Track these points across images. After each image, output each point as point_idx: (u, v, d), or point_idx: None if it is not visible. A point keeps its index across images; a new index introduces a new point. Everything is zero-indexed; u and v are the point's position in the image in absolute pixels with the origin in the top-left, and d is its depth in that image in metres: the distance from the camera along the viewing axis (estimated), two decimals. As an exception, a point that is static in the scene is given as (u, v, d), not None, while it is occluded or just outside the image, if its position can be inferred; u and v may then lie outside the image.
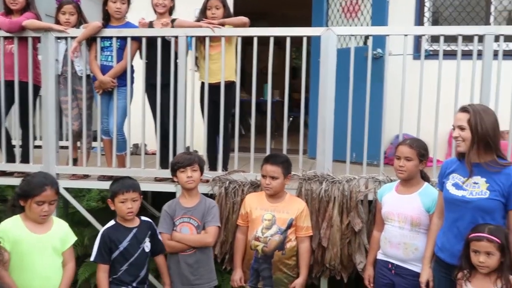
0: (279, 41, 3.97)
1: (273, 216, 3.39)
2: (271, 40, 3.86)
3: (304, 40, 3.84)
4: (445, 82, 3.66)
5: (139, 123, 4.09)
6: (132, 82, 4.15)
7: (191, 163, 3.29)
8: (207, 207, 3.32)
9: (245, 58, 4.21)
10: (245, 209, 3.50)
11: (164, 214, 3.25)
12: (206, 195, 3.58)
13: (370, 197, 3.70)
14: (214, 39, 4.03)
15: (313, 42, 4.20)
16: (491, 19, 5.46)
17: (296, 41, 3.92)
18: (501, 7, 5.47)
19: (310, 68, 4.93)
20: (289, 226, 3.37)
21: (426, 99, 3.74)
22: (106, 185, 4.26)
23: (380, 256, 3.29)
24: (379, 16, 5.00)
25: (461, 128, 2.72)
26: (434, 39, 4.96)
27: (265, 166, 3.42)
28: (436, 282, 2.95)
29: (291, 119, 8.75)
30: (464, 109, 2.76)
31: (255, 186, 3.80)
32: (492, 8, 5.45)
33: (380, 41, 4.57)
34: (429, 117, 3.78)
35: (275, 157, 3.49)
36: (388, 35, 3.74)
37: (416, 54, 5.18)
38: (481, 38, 3.61)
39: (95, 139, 4.58)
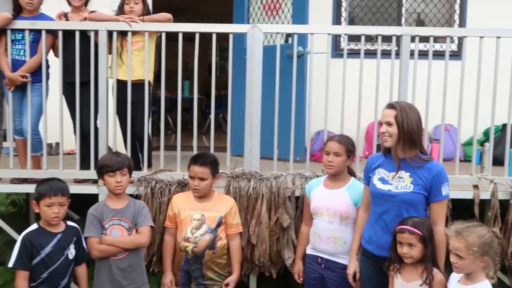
0: (192, 38, 3.92)
1: (202, 215, 3.34)
2: (197, 36, 3.79)
3: (230, 37, 3.82)
4: (359, 80, 3.80)
5: (56, 122, 3.85)
6: (47, 78, 3.89)
7: (121, 167, 3.13)
8: (137, 208, 3.20)
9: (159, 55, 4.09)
10: (172, 210, 3.42)
11: (91, 218, 3.08)
12: (131, 196, 3.45)
13: (297, 193, 3.75)
14: (135, 34, 3.89)
15: (235, 39, 4.17)
16: (403, 20, 5.77)
17: (218, 38, 3.89)
18: (411, 9, 5.79)
19: (225, 65, 4.92)
20: (219, 224, 3.34)
21: (346, 97, 3.85)
22: (20, 188, 4.02)
23: (309, 251, 3.34)
24: (300, 14, 5.10)
25: (389, 124, 2.83)
26: (350, 38, 5.13)
27: (193, 167, 3.35)
28: (363, 273, 3.05)
29: (211, 116, 8.73)
30: (391, 106, 2.87)
31: (182, 185, 3.72)
32: (403, 10, 5.76)
33: (300, 39, 4.65)
34: (350, 114, 3.90)
35: (203, 158, 3.42)
36: (313, 33, 3.81)
37: (334, 53, 5.34)
38: (398, 38, 3.79)
39: (6, 139, 4.25)
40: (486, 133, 5.21)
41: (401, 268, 2.76)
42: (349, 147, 3.20)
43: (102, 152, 3.75)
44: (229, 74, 3.92)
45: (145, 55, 3.85)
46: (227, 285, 3.37)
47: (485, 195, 3.79)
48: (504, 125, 4.99)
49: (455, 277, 2.58)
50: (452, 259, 2.50)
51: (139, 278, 3.17)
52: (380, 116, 2.98)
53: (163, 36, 3.81)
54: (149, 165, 3.90)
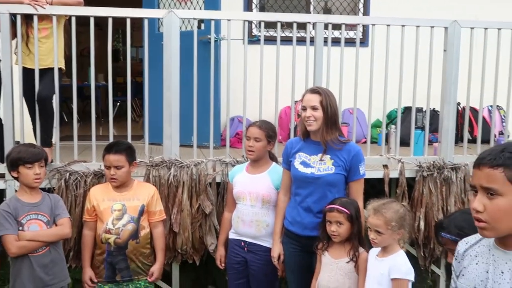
0: (99, 23, 3.76)
1: (123, 205, 3.24)
2: (110, 21, 3.64)
3: (145, 22, 3.71)
4: (271, 67, 3.88)
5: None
6: None
7: (39, 158, 2.96)
8: (53, 201, 3.05)
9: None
10: (90, 203, 3.28)
11: (4, 215, 2.86)
12: (43, 189, 3.26)
13: (218, 179, 3.77)
14: (42, 21, 3.66)
15: (150, 24, 4.05)
16: (311, 8, 5.93)
17: (119, 23, 3.77)
18: (319, -3, 5.98)
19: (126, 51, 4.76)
20: (141, 213, 3.27)
21: (256, 83, 3.91)
22: None
23: (232, 236, 3.38)
24: (212, 0, 5.06)
25: (314, 108, 2.91)
26: (261, 25, 5.19)
27: (107, 156, 3.24)
28: (286, 254, 3.13)
29: (118, 104, 8.45)
30: (315, 91, 2.96)
31: (99, 176, 3.58)
32: (312, -2, 5.93)
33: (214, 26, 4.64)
34: (265, 99, 3.96)
35: (117, 145, 3.31)
36: (230, 19, 3.81)
37: (250, 39, 5.38)
38: (308, 26, 3.90)
39: None
40: (390, 116, 5.54)
41: (329, 247, 2.88)
42: (269, 133, 3.26)
43: (8, 145, 3.50)
44: (144, 60, 3.81)
45: (53, 42, 3.63)
46: (152, 274, 3.31)
47: (393, 174, 4.05)
48: (406, 108, 5.35)
49: (373, 251, 2.74)
50: (372, 235, 2.65)
51: (61, 273, 3.05)
52: (299, 102, 3.06)
53: (73, 20, 3.62)
54: (49, 144, 3.69)
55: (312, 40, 3.90)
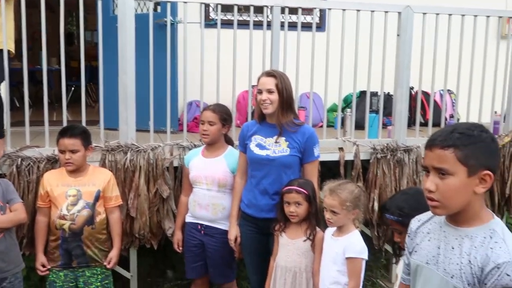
0: (51, 6, 3.65)
1: (78, 190, 3.19)
2: (62, 2, 3.53)
3: (99, 3, 3.62)
4: (228, 51, 3.88)
5: None
6: None
7: None
8: (4, 186, 2.99)
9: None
10: (44, 189, 3.21)
11: (-47, 202, 2.78)
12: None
13: (176, 163, 3.75)
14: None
15: (104, 7, 3.95)
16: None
17: (72, 5, 3.67)
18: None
19: (94, 35, 4.67)
20: (97, 198, 3.22)
21: (213, 67, 3.89)
22: None
23: (189, 219, 3.39)
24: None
25: (270, 92, 2.94)
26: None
27: (62, 140, 3.17)
28: (243, 236, 3.17)
29: (73, 88, 8.22)
30: (270, 74, 2.98)
31: (52, 162, 3.50)
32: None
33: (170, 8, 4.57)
34: (223, 84, 3.95)
35: (72, 129, 3.25)
36: (186, 2, 3.76)
37: (206, 23, 5.33)
38: (266, 10, 3.90)
39: None
40: (345, 100, 5.63)
41: (286, 228, 2.93)
42: (223, 116, 3.26)
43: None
44: (99, 44, 3.72)
45: (2, 21, 3.49)
46: (109, 261, 3.28)
47: (349, 157, 4.13)
48: (361, 92, 5.45)
49: (329, 231, 2.81)
50: (327, 215, 2.71)
51: (16, 258, 3.02)
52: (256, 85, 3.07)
53: (23, 1, 3.49)
54: (1, 135, 3.56)
55: (269, 24, 3.91)
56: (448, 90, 5.36)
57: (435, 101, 5.22)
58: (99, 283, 3.26)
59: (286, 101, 2.95)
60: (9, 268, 2.98)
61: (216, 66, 3.87)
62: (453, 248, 1.60)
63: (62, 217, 3.14)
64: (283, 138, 3.00)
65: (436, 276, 1.63)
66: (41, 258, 3.19)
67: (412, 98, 5.53)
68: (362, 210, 2.74)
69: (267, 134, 3.05)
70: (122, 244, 3.56)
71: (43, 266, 3.20)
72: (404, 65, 4.13)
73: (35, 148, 3.57)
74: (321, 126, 4.77)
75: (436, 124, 4.55)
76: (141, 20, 3.88)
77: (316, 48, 4.00)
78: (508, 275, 1.46)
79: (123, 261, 3.80)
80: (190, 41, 3.87)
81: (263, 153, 3.02)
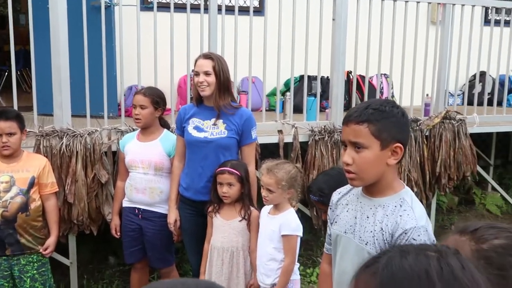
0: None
1: (11, 177, 3.10)
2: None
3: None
4: (165, 34, 3.86)
5: None
6: None
7: None
8: None
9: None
10: None
11: None
12: None
13: (114, 148, 3.71)
14: None
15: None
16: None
17: None
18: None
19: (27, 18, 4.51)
20: (31, 185, 3.15)
21: (157, 51, 3.88)
22: None
23: (126, 204, 3.37)
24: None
25: (207, 74, 2.95)
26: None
27: None
28: (183, 219, 3.20)
29: (6, 73, 7.90)
30: (207, 56, 3.00)
31: (-17, 148, 3.38)
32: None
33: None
34: (162, 68, 3.93)
35: (6, 112, 3.15)
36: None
37: (144, 6, 5.26)
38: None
39: None
40: (287, 84, 5.71)
41: (220, 209, 2.98)
42: (154, 99, 3.25)
43: None
44: (30, 26, 3.61)
45: None
46: (46, 248, 3.22)
47: (288, 139, 4.22)
48: (302, 76, 5.55)
49: (265, 210, 2.88)
50: (264, 193, 2.78)
51: None
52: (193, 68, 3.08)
53: None
54: None
55: (206, 8, 3.91)
56: (385, 74, 5.55)
57: (371, 84, 5.40)
58: (35, 271, 3.20)
59: (223, 83, 2.98)
60: None
61: (154, 51, 3.84)
62: (368, 217, 1.72)
63: (-6, 204, 3.05)
64: (221, 121, 3.04)
65: (353, 244, 1.75)
66: None
67: (350, 82, 5.70)
68: (298, 190, 2.82)
69: (205, 116, 3.07)
70: (60, 231, 3.51)
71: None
72: (339, 49, 4.24)
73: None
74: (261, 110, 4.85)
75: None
76: (75, 1, 3.79)
77: (254, 32, 4.04)
78: (414, 239, 1.58)
79: (62, 248, 3.74)
80: (127, 25, 3.82)
81: (201, 135, 3.04)
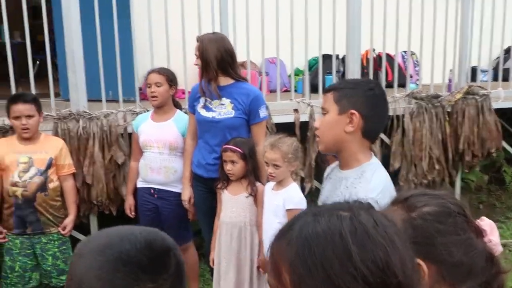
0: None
1: (30, 158, 3.23)
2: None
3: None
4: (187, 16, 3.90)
5: None
6: None
7: None
8: None
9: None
10: None
11: None
12: None
13: (130, 130, 3.79)
14: None
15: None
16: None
17: None
18: None
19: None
20: (49, 166, 3.26)
21: (172, 32, 3.92)
22: None
23: (140, 184, 3.44)
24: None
25: (197, 56, 3.01)
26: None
27: (15, 106, 3.14)
28: (196, 197, 3.26)
29: (38, 62, 8.14)
30: (197, 39, 3.04)
31: (3, 131, 3.52)
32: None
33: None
34: (175, 50, 3.96)
35: (24, 96, 3.28)
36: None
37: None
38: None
39: None
40: (309, 65, 5.67)
41: (228, 185, 3.02)
42: (169, 76, 3.31)
43: None
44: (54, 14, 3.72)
45: None
46: (64, 227, 3.34)
47: (304, 118, 4.21)
48: (324, 56, 5.49)
49: (268, 185, 2.89)
50: (270, 169, 2.77)
51: None
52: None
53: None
54: None
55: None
56: (411, 52, 5.42)
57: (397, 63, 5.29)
58: (56, 249, 3.33)
59: (208, 64, 2.98)
60: None
61: (165, 33, 3.89)
62: (336, 188, 1.76)
63: (14, 184, 3.18)
64: (228, 100, 3.06)
65: None
66: None
67: (375, 61, 5.60)
68: (300, 162, 2.83)
69: (213, 96, 3.10)
70: (80, 211, 3.63)
71: (0, 233, 3.26)
72: (354, 25, 4.18)
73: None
74: (286, 91, 4.85)
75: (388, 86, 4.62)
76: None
77: (266, 11, 4.02)
78: None
79: (85, 228, 3.87)
80: (141, 8, 3.88)
81: (209, 115, 3.08)
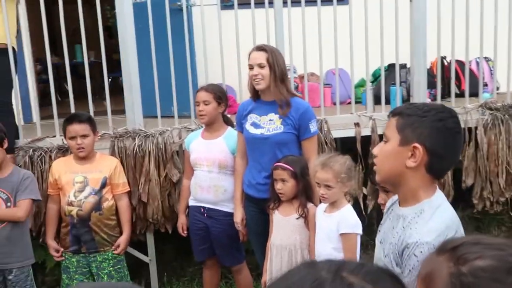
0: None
1: (85, 177, 3.26)
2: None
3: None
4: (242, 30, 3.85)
5: None
6: None
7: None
8: (20, 178, 3.06)
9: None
10: (53, 176, 3.31)
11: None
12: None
13: (184, 147, 3.76)
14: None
15: None
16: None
17: None
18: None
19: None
20: (103, 185, 3.28)
21: (227, 48, 3.86)
22: None
23: (192, 203, 3.38)
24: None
25: (261, 66, 2.87)
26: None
27: (71, 126, 3.22)
28: (248, 217, 3.15)
29: (109, 79, 8.43)
30: (261, 48, 2.92)
31: (63, 151, 3.59)
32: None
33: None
34: (229, 65, 3.90)
35: (78, 116, 3.34)
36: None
37: (223, 4, 5.29)
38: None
39: None
40: (374, 75, 5.42)
41: (279, 206, 2.88)
42: (217, 94, 3.22)
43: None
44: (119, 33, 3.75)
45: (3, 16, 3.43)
46: (118, 246, 3.33)
47: (366, 132, 3.98)
48: (390, 65, 5.22)
49: (320, 207, 2.71)
50: (322, 191, 2.59)
51: (22, 252, 3.08)
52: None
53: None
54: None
55: (271, 2, 3.81)
56: (485, 58, 5.03)
57: (470, 70, 4.93)
58: (111, 268, 3.33)
59: (278, 76, 2.87)
60: (11, 261, 3.03)
61: (236, 48, 3.85)
62: (393, 228, 1.56)
63: (70, 204, 3.22)
64: (277, 116, 2.93)
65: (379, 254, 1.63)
66: (52, 244, 3.29)
67: (445, 68, 5.25)
68: (355, 182, 2.63)
69: (262, 112, 2.99)
70: (136, 229, 3.63)
71: (57, 251, 3.30)
72: (419, 32, 3.90)
73: (46, 138, 3.67)
74: (349, 103, 4.64)
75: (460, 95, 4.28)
76: (156, 6, 3.89)
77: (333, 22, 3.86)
78: (415, 255, 1.39)
79: (142, 246, 3.87)
80: (206, 25, 3.87)
81: (257, 132, 2.97)
